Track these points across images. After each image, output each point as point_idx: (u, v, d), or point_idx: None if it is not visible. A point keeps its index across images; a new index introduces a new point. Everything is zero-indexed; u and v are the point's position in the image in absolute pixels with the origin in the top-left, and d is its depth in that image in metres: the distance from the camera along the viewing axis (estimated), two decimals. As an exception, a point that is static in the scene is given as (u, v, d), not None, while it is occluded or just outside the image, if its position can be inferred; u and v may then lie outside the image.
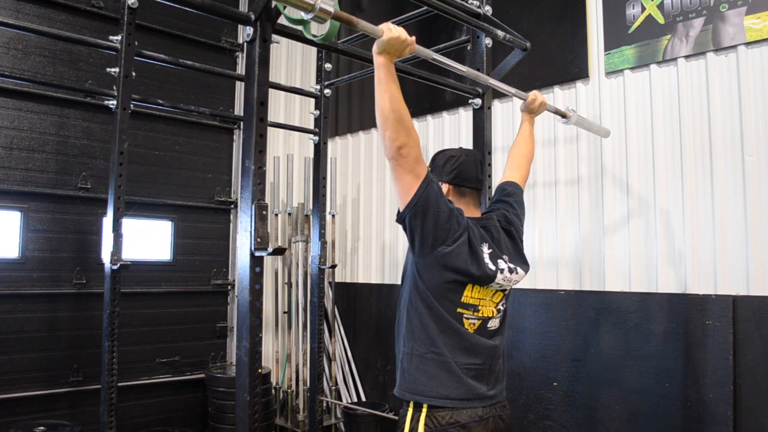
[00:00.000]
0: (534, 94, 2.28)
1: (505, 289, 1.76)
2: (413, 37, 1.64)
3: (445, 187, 1.76)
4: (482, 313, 1.69)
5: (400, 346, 1.71)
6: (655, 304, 2.93)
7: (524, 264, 1.82)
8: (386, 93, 1.55)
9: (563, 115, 2.52)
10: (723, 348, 2.68)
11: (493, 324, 1.73)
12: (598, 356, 3.10)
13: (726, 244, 2.77)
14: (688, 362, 2.79)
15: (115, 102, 2.86)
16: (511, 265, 1.75)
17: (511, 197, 1.98)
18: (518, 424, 3.31)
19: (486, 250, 1.68)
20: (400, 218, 1.61)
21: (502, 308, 1.77)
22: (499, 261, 1.71)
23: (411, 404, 1.66)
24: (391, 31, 1.59)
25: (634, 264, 3.07)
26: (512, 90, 2.28)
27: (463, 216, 1.67)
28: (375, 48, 1.60)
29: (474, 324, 1.68)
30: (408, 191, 1.56)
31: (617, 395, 3.01)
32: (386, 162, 4.51)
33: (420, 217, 1.57)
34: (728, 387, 2.65)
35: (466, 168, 1.79)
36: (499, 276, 1.69)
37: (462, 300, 1.65)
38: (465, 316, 1.66)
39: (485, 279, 1.66)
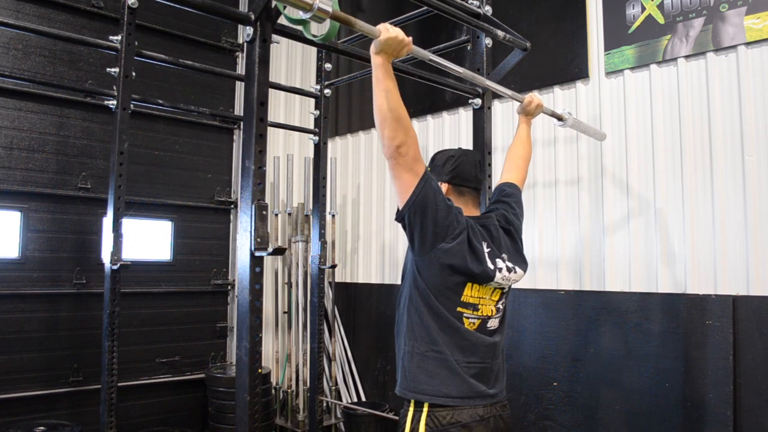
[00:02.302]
0: (530, 96, 2.29)
1: (504, 288, 1.77)
2: (410, 38, 1.64)
3: (444, 187, 1.77)
4: (482, 312, 1.69)
5: (401, 345, 1.71)
6: (655, 304, 2.93)
7: (523, 263, 1.83)
8: (384, 92, 1.56)
9: (559, 118, 2.53)
10: (723, 348, 2.68)
11: (493, 323, 1.74)
12: (598, 356, 3.10)
13: (726, 244, 2.76)
14: (688, 362, 2.79)
15: (115, 102, 2.86)
16: (510, 264, 1.75)
17: (510, 197, 1.98)
18: (518, 424, 3.31)
19: (485, 249, 1.68)
20: (400, 216, 1.61)
21: (501, 307, 1.78)
22: (498, 260, 1.71)
23: (412, 403, 1.66)
24: (388, 31, 1.59)
25: (634, 264, 3.07)
26: (509, 92, 2.29)
27: (463, 214, 1.68)
28: (372, 48, 1.61)
29: (474, 323, 1.68)
30: (407, 189, 1.57)
31: (617, 395, 3.01)
32: (386, 161, 4.53)
33: (419, 215, 1.57)
34: (728, 387, 2.65)
35: (465, 168, 1.80)
36: (498, 275, 1.70)
37: (462, 299, 1.65)
38: (465, 315, 1.66)
39: (485, 277, 1.66)
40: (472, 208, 1.82)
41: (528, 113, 2.30)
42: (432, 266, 1.62)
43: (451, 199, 1.73)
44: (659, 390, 2.86)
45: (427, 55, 1.86)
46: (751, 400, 2.60)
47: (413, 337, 1.66)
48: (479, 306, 1.68)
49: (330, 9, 1.49)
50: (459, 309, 1.65)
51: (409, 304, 1.68)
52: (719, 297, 2.73)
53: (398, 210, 1.62)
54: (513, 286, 1.83)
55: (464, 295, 1.65)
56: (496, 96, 3.67)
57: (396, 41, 1.59)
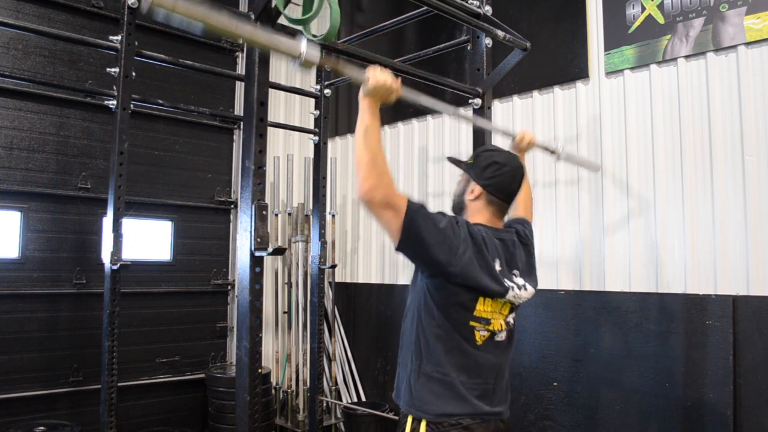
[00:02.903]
0: (522, 133, 2.23)
1: (514, 303, 1.73)
2: (399, 81, 1.62)
3: (477, 189, 1.72)
4: (492, 326, 1.67)
5: (407, 360, 1.68)
6: (655, 304, 2.93)
7: (534, 282, 1.79)
8: (364, 134, 1.54)
9: (552, 152, 2.47)
10: (723, 348, 2.68)
11: (501, 337, 1.71)
12: (598, 356, 3.10)
13: (726, 244, 2.77)
14: (688, 362, 2.79)
15: (115, 102, 2.86)
16: (521, 282, 1.72)
17: (524, 225, 1.93)
18: (518, 424, 3.31)
19: (497, 267, 1.65)
20: (398, 251, 1.59)
21: (511, 321, 1.74)
22: (508, 279, 1.69)
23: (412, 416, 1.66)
24: (377, 78, 1.57)
25: (634, 264, 3.07)
26: (500, 128, 2.27)
27: (463, 225, 1.61)
28: (361, 92, 1.59)
29: (483, 335, 1.65)
30: (393, 229, 1.53)
31: (617, 395, 3.01)
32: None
33: (416, 248, 1.54)
34: (728, 387, 2.65)
35: (504, 180, 1.72)
36: (510, 293, 1.66)
37: (475, 314, 1.62)
38: (476, 328, 1.64)
39: (496, 293, 1.63)
40: (497, 219, 1.76)
41: (520, 150, 2.25)
42: (443, 288, 1.59)
43: (478, 203, 1.71)
44: (659, 390, 2.86)
45: (417, 98, 1.84)
46: (751, 400, 2.61)
47: (419, 356, 1.64)
48: (491, 320, 1.66)
49: (317, 59, 1.49)
50: (471, 323, 1.63)
51: (417, 323, 1.65)
52: (719, 297, 2.73)
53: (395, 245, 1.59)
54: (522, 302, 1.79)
55: (477, 310, 1.62)
56: (496, 96, 3.68)
57: (384, 88, 1.58)
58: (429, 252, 1.53)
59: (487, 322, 1.65)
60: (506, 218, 1.89)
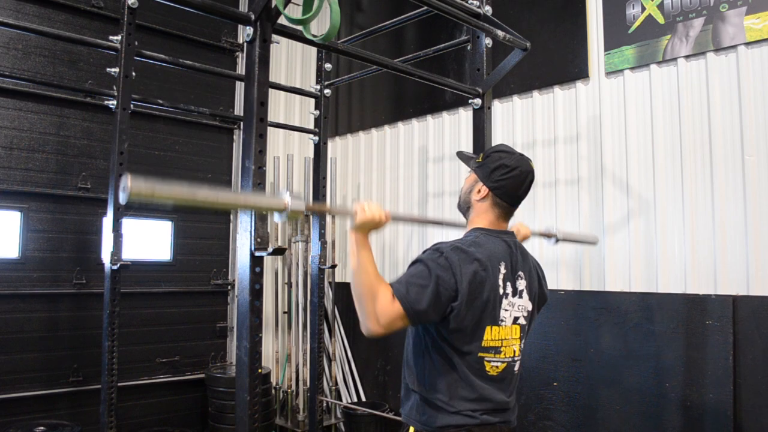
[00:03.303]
0: (516, 227, 2.14)
1: (518, 318, 1.67)
2: (387, 213, 1.62)
3: (484, 190, 1.69)
4: (504, 354, 1.63)
5: (412, 382, 1.65)
6: (655, 304, 2.93)
7: (531, 292, 1.75)
8: (360, 270, 1.54)
9: (549, 236, 2.42)
10: (723, 348, 2.68)
11: (517, 367, 1.68)
12: (598, 356, 3.10)
13: (726, 244, 2.76)
14: (688, 362, 2.79)
15: (115, 102, 2.86)
16: (523, 283, 1.69)
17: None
18: (518, 424, 3.30)
19: (502, 269, 1.62)
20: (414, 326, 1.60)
21: (522, 347, 1.70)
22: (515, 279, 1.66)
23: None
24: (364, 212, 1.57)
25: (634, 264, 3.07)
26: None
27: (452, 263, 1.54)
28: (349, 225, 1.60)
29: (497, 366, 1.61)
30: (405, 324, 1.53)
31: (617, 395, 3.01)
32: (386, 161, 4.54)
33: (427, 318, 1.54)
34: (728, 387, 2.65)
35: (513, 185, 1.68)
36: (508, 310, 1.63)
37: (483, 344, 1.58)
38: (486, 359, 1.59)
39: (497, 321, 1.61)
40: (502, 221, 1.73)
41: None
42: (445, 324, 1.56)
43: (484, 203, 1.69)
44: (659, 390, 2.86)
45: (409, 219, 1.84)
46: (751, 400, 2.60)
47: (422, 385, 1.61)
48: (502, 348, 1.62)
49: (303, 208, 1.48)
50: (480, 354, 1.58)
51: (424, 350, 1.62)
52: (719, 297, 2.73)
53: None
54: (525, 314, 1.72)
55: (485, 340, 1.59)
56: (496, 96, 3.68)
57: (372, 223, 1.58)
58: (437, 312, 1.52)
59: (497, 350, 1.61)
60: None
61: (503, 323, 1.62)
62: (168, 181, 1.20)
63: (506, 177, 1.67)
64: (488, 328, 1.59)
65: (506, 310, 1.63)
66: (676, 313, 2.85)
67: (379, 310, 1.50)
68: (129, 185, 1.12)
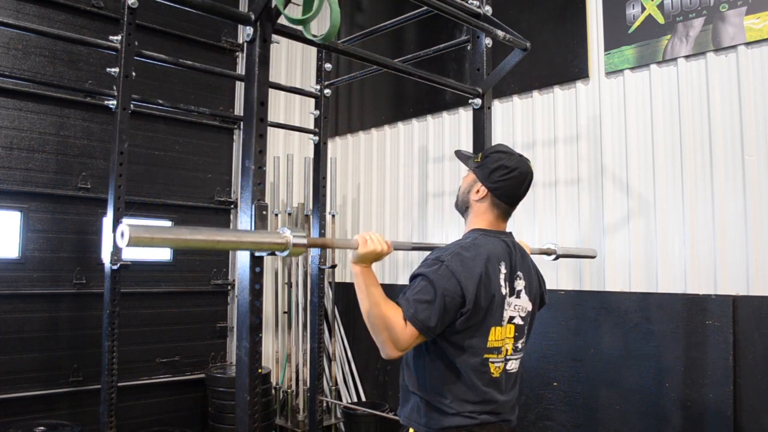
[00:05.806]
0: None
1: (513, 318, 1.67)
2: (389, 244, 1.63)
3: (483, 191, 1.69)
4: (504, 354, 1.64)
5: (412, 384, 1.66)
6: (655, 304, 2.93)
7: (531, 292, 1.76)
8: (367, 299, 1.55)
9: (549, 253, 2.43)
10: (723, 348, 2.68)
11: (513, 366, 1.68)
12: (598, 356, 3.10)
13: (726, 244, 2.77)
14: (688, 362, 2.79)
15: (115, 102, 2.86)
16: (522, 283, 1.69)
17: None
18: (518, 424, 3.31)
19: (503, 269, 1.62)
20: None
21: (519, 347, 1.70)
22: (514, 278, 1.66)
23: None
24: (366, 245, 1.58)
25: (634, 264, 3.07)
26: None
27: (453, 273, 1.54)
28: (351, 258, 1.60)
29: (499, 367, 1.63)
30: (421, 341, 1.55)
31: (617, 395, 3.01)
32: (386, 161, 4.54)
33: (441, 330, 1.55)
34: (728, 387, 2.65)
35: (512, 185, 1.68)
36: (507, 310, 1.64)
37: (488, 345, 1.60)
38: (491, 360, 1.61)
39: (501, 320, 1.62)
40: (501, 222, 1.73)
41: None
42: (452, 328, 1.57)
43: (483, 204, 1.69)
44: (659, 390, 2.86)
45: (411, 246, 1.92)
46: (751, 400, 2.60)
47: (423, 389, 1.61)
48: (502, 348, 1.63)
49: (305, 240, 1.48)
50: (486, 355, 1.59)
51: (424, 353, 1.62)
52: (719, 297, 2.73)
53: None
54: (522, 315, 1.73)
55: (490, 341, 1.60)
56: (496, 96, 3.68)
57: (374, 255, 1.58)
58: (448, 322, 1.54)
59: (499, 351, 1.62)
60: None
61: (503, 323, 1.63)
62: (168, 231, 1.22)
63: (506, 178, 1.67)
64: (493, 329, 1.60)
65: (505, 310, 1.64)
66: (676, 313, 2.85)
67: (395, 337, 1.51)
68: (128, 234, 1.12)
